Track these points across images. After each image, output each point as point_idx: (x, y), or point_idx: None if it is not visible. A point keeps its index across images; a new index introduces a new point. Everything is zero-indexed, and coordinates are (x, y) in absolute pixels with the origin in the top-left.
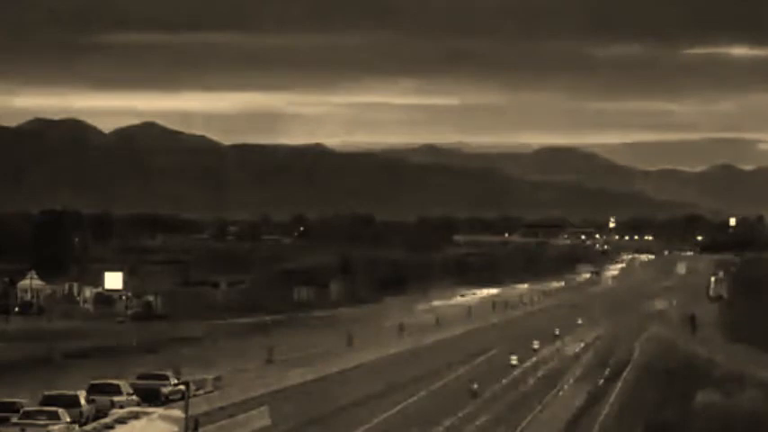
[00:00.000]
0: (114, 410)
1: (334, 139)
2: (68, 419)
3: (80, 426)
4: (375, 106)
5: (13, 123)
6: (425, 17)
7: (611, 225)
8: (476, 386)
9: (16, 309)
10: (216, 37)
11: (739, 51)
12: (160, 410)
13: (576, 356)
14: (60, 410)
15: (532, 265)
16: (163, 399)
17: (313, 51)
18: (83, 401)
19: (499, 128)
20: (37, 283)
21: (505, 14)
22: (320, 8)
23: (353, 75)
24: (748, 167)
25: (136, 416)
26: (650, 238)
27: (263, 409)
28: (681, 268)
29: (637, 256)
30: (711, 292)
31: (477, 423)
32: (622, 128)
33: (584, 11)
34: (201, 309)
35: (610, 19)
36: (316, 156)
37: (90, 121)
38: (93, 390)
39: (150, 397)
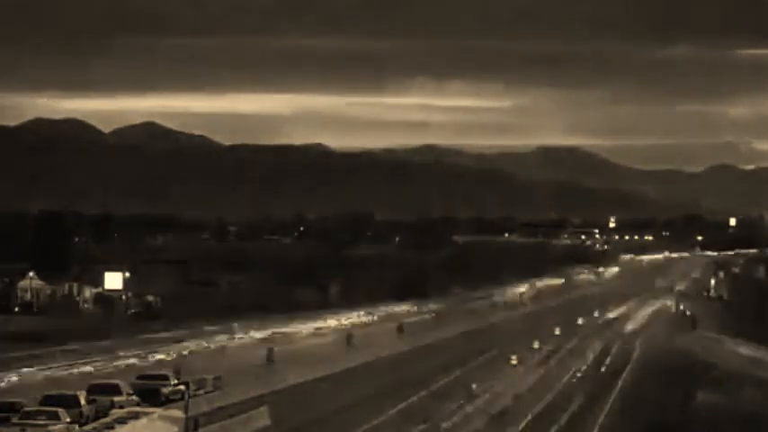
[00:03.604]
0: (114, 410)
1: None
2: (68, 419)
3: (80, 426)
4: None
5: (13, 123)
6: (457, 18)
7: (611, 225)
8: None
9: (16, 309)
10: (218, 38)
11: None
12: (160, 410)
13: None
14: (60, 410)
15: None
16: (163, 399)
17: (318, 53)
18: (83, 401)
19: (533, 130)
20: (37, 283)
21: (545, 16)
22: (327, 11)
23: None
24: (748, 167)
25: (136, 416)
26: (650, 237)
27: (262, 409)
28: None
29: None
30: (712, 293)
31: None
32: (666, 132)
33: (638, 14)
34: (201, 309)
35: (661, 21)
36: (316, 156)
37: (90, 121)
38: (93, 390)
39: (150, 397)
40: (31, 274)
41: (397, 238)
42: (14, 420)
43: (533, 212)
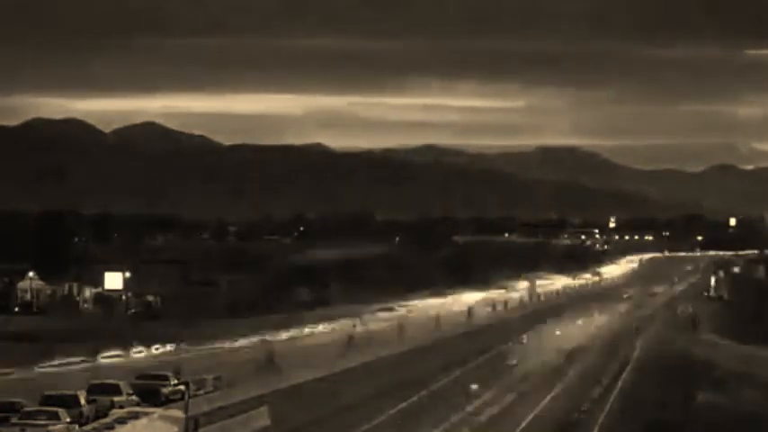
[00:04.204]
0: (114, 410)
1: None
2: (68, 419)
3: (80, 426)
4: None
5: (13, 123)
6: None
7: (612, 225)
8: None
9: (16, 309)
10: (219, 39)
11: None
12: (160, 410)
13: None
14: (60, 410)
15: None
16: (163, 399)
17: (318, 53)
18: (83, 401)
19: (534, 130)
20: (37, 283)
21: (545, 16)
22: (328, 11)
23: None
24: (748, 167)
25: (136, 416)
26: (650, 237)
27: (262, 409)
28: None
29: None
30: (712, 293)
31: None
32: (666, 132)
33: (643, 12)
34: (202, 309)
35: (662, 21)
36: (316, 156)
37: (90, 121)
38: (93, 390)
39: (150, 397)
40: (31, 274)
41: (397, 238)
42: (14, 420)
43: (533, 212)
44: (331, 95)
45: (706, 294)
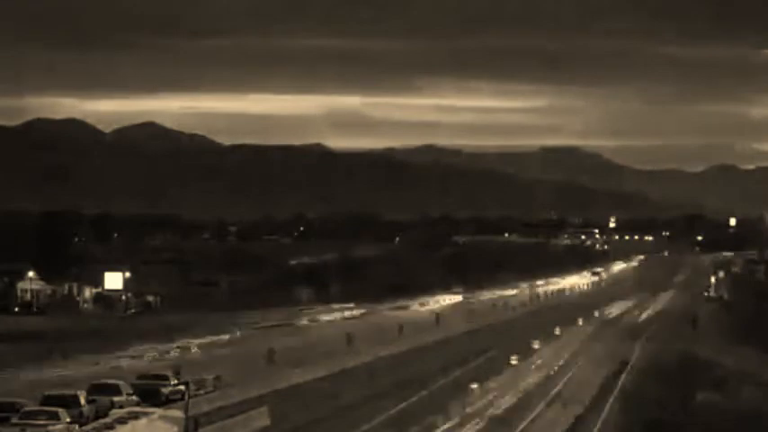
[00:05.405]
0: (114, 410)
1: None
2: (68, 419)
3: (80, 426)
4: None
5: (13, 123)
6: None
7: (612, 225)
8: None
9: (16, 309)
10: (219, 39)
11: None
12: (160, 410)
13: None
14: (60, 410)
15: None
16: (163, 399)
17: (319, 53)
18: (83, 401)
19: (534, 130)
20: (37, 283)
21: (557, 16)
22: (329, 11)
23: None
24: (748, 167)
25: (136, 416)
26: (650, 237)
27: (262, 409)
28: None
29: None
30: (712, 293)
31: None
32: (666, 132)
33: (644, 12)
34: (201, 309)
35: (669, 20)
36: (316, 156)
37: (90, 121)
38: (93, 390)
39: (150, 397)
40: (31, 274)
41: (397, 238)
42: (14, 420)
43: (533, 212)
44: (332, 95)
45: (706, 294)
